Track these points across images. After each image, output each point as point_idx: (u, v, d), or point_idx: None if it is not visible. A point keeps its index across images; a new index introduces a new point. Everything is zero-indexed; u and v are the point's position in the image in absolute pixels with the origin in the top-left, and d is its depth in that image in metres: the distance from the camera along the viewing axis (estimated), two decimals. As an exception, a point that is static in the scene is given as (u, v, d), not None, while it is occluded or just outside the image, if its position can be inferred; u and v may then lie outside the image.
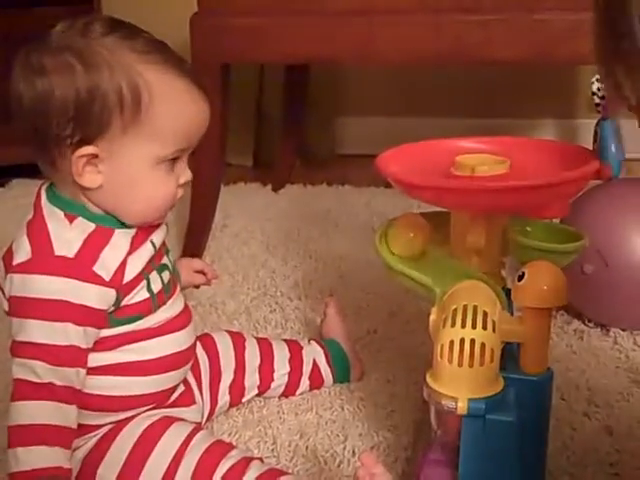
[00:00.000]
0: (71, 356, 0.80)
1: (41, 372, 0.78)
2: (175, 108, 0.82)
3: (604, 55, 0.56)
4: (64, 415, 0.79)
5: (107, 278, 0.81)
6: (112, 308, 0.83)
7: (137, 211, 0.84)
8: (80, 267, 0.80)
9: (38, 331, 0.79)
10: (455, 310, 0.74)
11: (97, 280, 0.80)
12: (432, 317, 0.78)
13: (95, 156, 0.80)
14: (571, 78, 2.08)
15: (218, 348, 1.05)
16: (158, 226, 0.89)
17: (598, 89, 0.89)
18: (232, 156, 2.11)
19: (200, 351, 1.03)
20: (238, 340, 1.08)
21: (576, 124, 2.11)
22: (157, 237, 0.88)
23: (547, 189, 0.84)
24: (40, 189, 0.86)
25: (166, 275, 0.90)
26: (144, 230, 0.86)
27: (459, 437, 0.76)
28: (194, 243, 1.54)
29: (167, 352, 0.89)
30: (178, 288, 0.94)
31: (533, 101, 2.13)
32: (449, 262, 0.90)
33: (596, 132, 0.91)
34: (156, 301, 0.87)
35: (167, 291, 0.89)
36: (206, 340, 1.06)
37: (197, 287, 1.10)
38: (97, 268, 0.80)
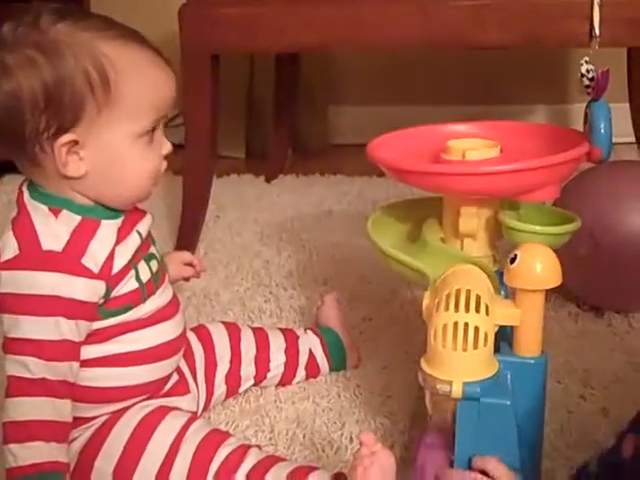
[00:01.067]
0: (64, 350, 0.80)
1: (34, 368, 0.78)
2: (143, 79, 0.82)
3: None
4: (58, 410, 0.79)
5: (96, 270, 0.81)
6: (102, 300, 0.83)
7: (125, 190, 0.84)
8: (68, 261, 0.80)
9: (29, 327, 0.79)
10: (448, 294, 0.74)
11: (86, 273, 0.80)
12: (425, 302, 0.79)
13: (75, 143, 0.79)
14: (562, 63, 2.07)
15: (213, 339, 1.05)
16: (143, 215, 0.89)
17: (587, 70, 0.89)
18: (224, 148, 2.10)
19: (195, 342, 1.03)
20: (233, 330, 1.08)
21: (568, 109, 2.11)
22: (142, 227, 0.88)
23: (537, 172, 0.84)
24: (21, 186, 0.85)
25: (154, 264, 0.90)
26: (130, 220, 0.86)
27: (454, 420, 0.76)
28: (187, 235, 1.54)
29: (159, 341, 0.89)
30: (166, 277, 0.93)
31: (525, 87, 2.13)
32: (442, 247, 0.90)
33: (586, 114, 0.90)
34: (145, 291, 0.87)
35: (156, 280, 0.89)
36: (201, 331, 1.06)
37: (187, 280, 1.10)
38: (85, 261, 0.80)
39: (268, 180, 1.95)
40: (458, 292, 0.74)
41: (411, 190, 1.02)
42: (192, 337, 1.03)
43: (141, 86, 0.81)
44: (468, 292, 0.74)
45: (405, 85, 2.18)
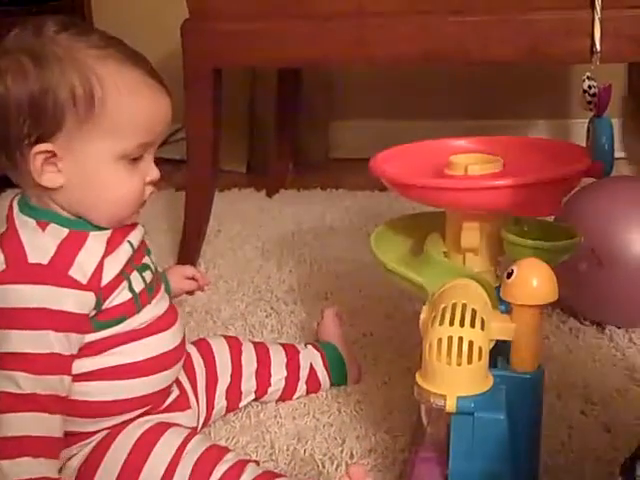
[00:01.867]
0: (54, 364, 0.79)
1: (23, 383, 0.77)
2: (132, 101, 0.81)
3: None
4: (48, 425, 0.79)
5: (84, 281, 0.80)
6: (94, 312, 0.83)
7: (103, 210, 0.84)
8: (55, 273, 0.79)
9: (18, 341, 0.78)
10: (444, 308, 0.74)
11: (74, 284, 0.80)
12: (422, 316, 0.78)
13: (53, 155, 0.80)
14: (563, 78, 2.08)
15: (214, 353, 1.05)
16: (134, 227, 0.89)
17: (589, 87, 0.89)
18: (226, 162, 2.10)
19: (196, 356, 1.03)
20: (234, 345, 1.07)
21: (569, 124, 2.12)
22: (134, 237, 0.88)
23: (539, 187, 0.84)
24: (12, 201, 0.85)
25: (148, 275, 0.89)
26: (120, 231, 0.86)
27: (449, 434, 0.76)
28: (189, 249, 1.54)
29: (155, 352, 0.89)
30: (162, 288, 0.93)
31: (526, 102, 2.13)
32: (443, 262, 0.90)
33: (589, 130, 0.90)
34: (139, 301, 0.87)
35: (150, 291, 0.89)
36: (202, 345, 1.05)
37: (190, 293, 1.10)
38: (73, 272, 0.80)
39: (269, 195, 1.95)
40: (454, 306, 0.74)
41: (413, 205, 1.02)
42: (193, 351, 1.03)
43: (127, 108, 0.81)
44: (464, 306, 0.74)
45: (406, 100, 2.19)
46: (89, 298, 0.81)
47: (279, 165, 2.02)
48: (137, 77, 0.82)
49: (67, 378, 0.81)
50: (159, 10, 2.10)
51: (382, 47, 1.38)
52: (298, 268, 1.51)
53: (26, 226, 0.82)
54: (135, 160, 0.83)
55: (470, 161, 0.89)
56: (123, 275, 0.85)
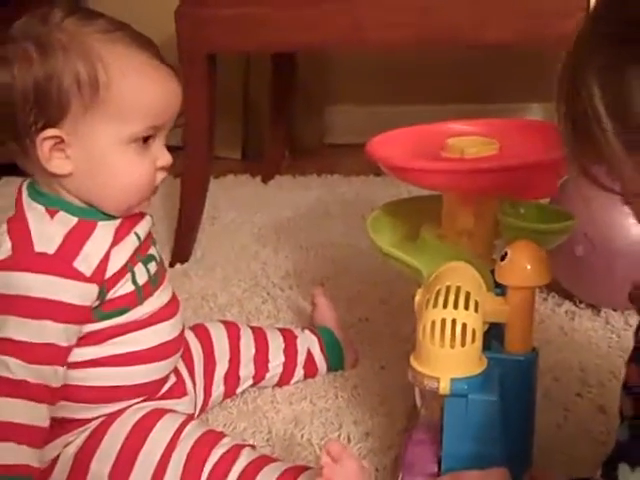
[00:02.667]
0: (48, 354, 0.79)
1: (15, 369, 0.77)
2: (138, 84, 0.81)
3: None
4: (35, 414, 0.78)
5: (88, 274, 0.80)
6: (97, 303, 0.82)
7: (114, 196, 0.83)
8: (60, 263, 0.79)
9: (16, 328, 0.78)
10: (438, 291, 0.74)
11: (78, 276, 0.79)
12: (417, 298, 0.79)
13: (61, 141, 0.79)
14: (558, 61, 2.08)
15: (212, 338, 1.05)
16: (142, 217, 0.88)
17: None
18: (221, 149, 2.10)
19: (194, 341, 1.03)
20: (233, 330, 1.07)
21: (564, 108, 2.11)
22: (141, 228, 0.88)
23: (535, 169, 0.84)
24: (21, 186, 0.85)
25: (152, 266, 0.89)
26: (128, 221, 0.86)
27: (442, 417, 0.76)
28: (185, 237, 1.53)
29: (156, 342, 0.89)
30: (166, 279, 0.93)
31: (521, 85, 2.13)
32: (439, 245, 0.90)
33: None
34: (142, 293, 0.86)
35: (154, 282, 0.89)
36: (200, 330, 1.05)
37: None
38: (78, 264, 0.79)
39: (265, 181, 1.94)
40: (448, 289, 0.74)
41: (409, 189, 1.02)
42: (191, 336, 1.03)
43: (133, 91, 0.81)
44: (458, 289, 0.74)
45: (401, 84, 2.18)
46: (92, 290, 0.81)
47: (274, 151, 2.02)
48: (144, 60, 0.82)
49: (61, 369, 0.81)
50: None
51: (377, 31, 1.38)
52: (294, 254, 1.51)
53: (35, 212, 0.82)
54: (145, 145, 0.83)
55: (466, 144, 0.89)
56: (127, 267, 0.84)
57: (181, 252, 1.51)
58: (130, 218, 0.86)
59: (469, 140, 0.91)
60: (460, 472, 0.75)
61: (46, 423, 0.80)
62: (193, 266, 1.48)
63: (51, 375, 0.79)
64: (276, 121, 2.00)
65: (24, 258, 0.79)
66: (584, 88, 0.50)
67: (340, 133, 2.18)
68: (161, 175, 0.86)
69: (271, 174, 1.96)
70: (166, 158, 0.85)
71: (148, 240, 0.90)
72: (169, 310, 0.91)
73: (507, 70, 2.12)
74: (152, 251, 0.90)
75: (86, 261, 0.80)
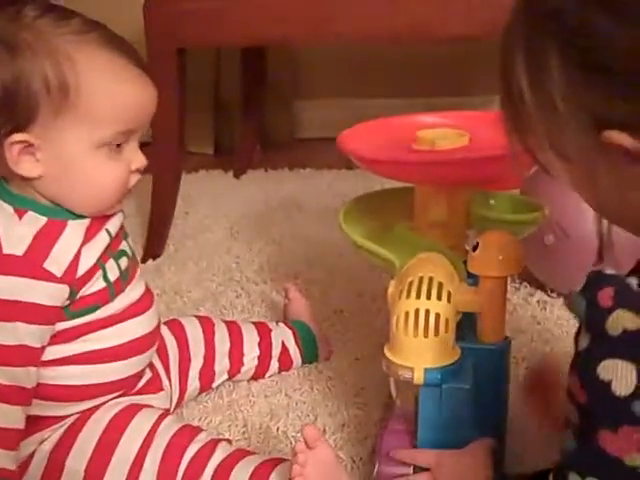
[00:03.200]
0: (20, 356, 0.78)
1: None
2: (109, 87, 0.79)
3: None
4: (10, 417, 0.78)
5: (59, 274, 0.79)
6: (67, 302, 0.82)
7: (84, 199, 0.82)
8: (29, 265, 0.78)
9: None
10: (411, 282, 0.75)
11: (49, 277, 0.78)
12: (390, 290, 0.79)
13: (30, 144, 0.78)
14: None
15: (187, 333, 1.04)
16: (113, 214, 0.88)
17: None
18: (193, 144, 2.09)
19: (169, 337, 1.02)
20: (207, 325, 1.07)
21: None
22: (112, 224, 0.86)
23: (505, 160, 0.85)
24: None
25: (123, 261, 0.88)
26: (99, 219, 0.85)
27: (417, 406, 0.77)
28: (157, 232, 1.53)
29: (129, 338, 0.88)
30: (137, 273, 0.92)
31: (491, 78, 2.14)
32: (412, 237, 0.91)
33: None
34: (113, 289, 0.86)
35: (124, 278, 0.88)
36: (174, 325, 1.05)
37: None
38: (48, 265, 0.78)
39: (237, 175, 1.94)
40: (420, 279, 0.75)
41: (381, 181, 1.02)
42: (165, 331, 1.02)
43: (104, 94, 0.79)
44: (430, 279, 0.75)
45: (372, 78, 2.18)
46: (63, 291, 0.80)
47: (246, 145, 2.01)
48: (117, 63, 0.80)
49: (33, 369, 0.80)
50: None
51: (348, 25, 1.38)
52: (267, 248, 1.51)
53: (3, 213, 0.80)
54: (118, 148, 0.81)
55: (437, 136, 0.90)
56: (99, 264, 0.83)
57: (153, 247, 1.50)
58: (101, 216, 0.86)
59: (439, 132, 0.91)
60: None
61: (22, 425, 0.79)
62: (166, 261, 1.47)
63: (24, 377, 0.79)
64: (247, 115, 1.99)
65: None
66: (511, 67, 0.58)
67: (311, 127, 2.18)
68: (135, 177, 0.85)
69: (243, 168, 1.96)
70: (140, 160, 0.84)
71: (119, 235, 0.89)
72: (141, 305, 0.91)
73: (478, 63, 2.13)
74: (123, 246, 0.89)
75: (56, 262, 0.79)
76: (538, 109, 0.57)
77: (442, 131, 0.92)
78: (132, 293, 0.89)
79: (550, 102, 0.56)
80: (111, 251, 0.86)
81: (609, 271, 0.55)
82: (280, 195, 1.78)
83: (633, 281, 0.54)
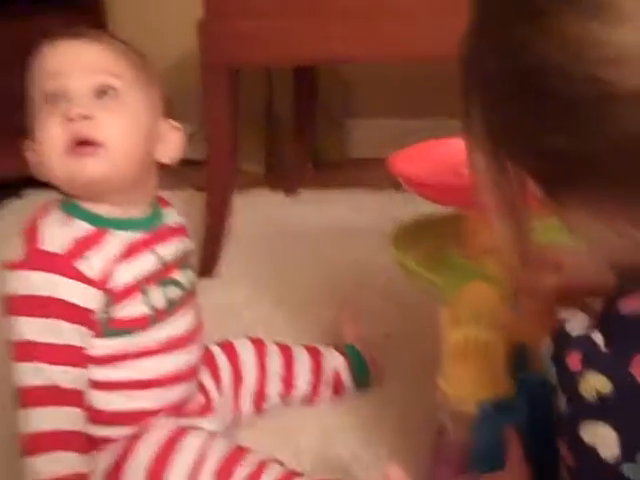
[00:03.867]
0: (70, 355, 0.80)
1: (45, 374, 0.78)
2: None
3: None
4: (74, 419, 0.80)
5: (90, 275, 0.81)
6: (104, 315, 0.83)
7: (50, 169, 0.84)
8: (63, 263, 0.80)
9: (32, 330, 0.79)
10: (463, 310, 0.74)
11: (79, 276, 0.80)
12: (441, 317, 0.78)
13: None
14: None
15: (239, 355, 1.05)
16: (168, 238, 0.88)
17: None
18: (244, 163, 2.11)
19: (222, 358, 1.03)
20: (259, 347, 1.08)
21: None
22: (166, 250, 0.88)
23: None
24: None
25: (173, 291, 0.89)
26: (150, 239, 0.86)
27: (470, 437, 0.75)
28: (209, 251, 1.54)
29: (169, 370, 0.89)
30: (190, 306, 0.92)
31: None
32: (464, 263, 0.90)
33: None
34: (155, 317, 0.86)
35: (170, 307, 0.88)
36: (227, 347, 1.06)
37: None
38: (80, 265, 0.80)
39: (288, 195, 1.95)
40: (473, 308, 0.74)
41: (432, 205, 1.02)
42: (218, 353, 1.03)
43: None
44: (482, 308, 0.74)
45: (423, 97, 2.18)
46: (94, 293, 0.81)
47: (297, 164, 2.02)
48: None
49: (83, 371, 0.82)
50: (174, 9, 2.09)
51: (398, 45, 1.38)
52: (318, 269, 1.51)
53: (52, 217, 0.84)
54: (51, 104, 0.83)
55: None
56: (140, 286, 0.85)
57: (206, 267, 1.51)
58: (158, 235, 0.87)
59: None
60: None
61: (76, 427, 0.81)
62: (218, 282, 1.48)
63: (76, 376, 0.81)
64: (299, 134, 2.01)
65: (32, 257, 0.81)
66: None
67: (363, 146, 2.18)
68: (72, 130, 0.81)
69: (294, 188, 1.97)
70: (69, 109, 0.82)
71: (176, 264, 0.89)
72: (186, 338, 0.91)
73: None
74: (178, 275, 0.90)
75: (88, 264, 0.81)
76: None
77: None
78: (175, 325, 0.90)
79: None
80: (160, 277, 0.87)
81: (575, 331, 0.54)
82: (331, 215, 1.77)
83: (599, 339, 0.53)
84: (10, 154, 2.10)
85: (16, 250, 0.83)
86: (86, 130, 0.81)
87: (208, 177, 1.52)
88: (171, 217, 0.93)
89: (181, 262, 0.90)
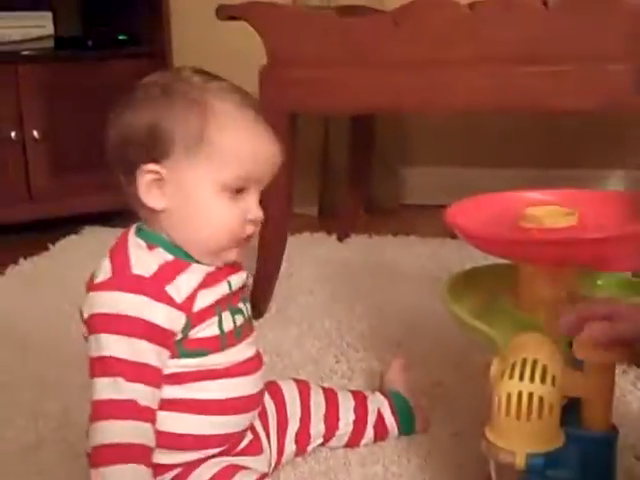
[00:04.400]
0: (149, 374, 0.82)
1: (124, 389, 0.80)
2: (239, 134, 0.86)
3: None
4: (148, 434, 0.82)
5: (178, 300, 0.83)
6: (181, 335, 0.85)
7: (201, 239, 0.87)
8: (154, 286, 0.83)
9: (115, 346, 0.81)
10: (515, 363, 0.74)
11: (168, 300, 0.83)
12: (493, 369, 0.78)
13: (160, 177, 0.85)
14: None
15: (285, 396, 1.06)
16: (237, 269, 0.92)
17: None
18: (297, 205, 2.14)
19: (267, 399, 1.04)
20: (304, 388, 1.08)
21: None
22: (235, 279, 0.91)
23: (616, 242, 0.83)
24: (130, 227, 0.90)
25: (239, 319, 0.91)
26: (223, 270, 0.89)
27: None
28: (261, 291, 1.55)
29: (232, 395, 0.90)
30: (252, 336, 0.95)
31: (601, 151, 2.11)
32: (516, 314, 0.90)
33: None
34: (225, 340, 0.88)
35: (238, 334, 0.91)
36: (273, 388, 1.06)
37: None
38: (169, 289, 0.83)
39: (340, 239, 1.96)
40: (525, 361, 0.74)
41: (484, 255, 1.02)
42: (264, 394, 1.04)
43: (234, 140, 0.85)
44: (534, 361, 0.74)
45: (478, 146, 2.19)
46: (179, 317, 0.84)
47: (351, 209, 2.04)
48: (249, 118, 0.87)
49: (157, 391, 0.84)
50: (237, 56, 2.15)
51: (454, 96, 1.39)
52: (369, 314, 1.51)
53: (135, 244, 0.87)
54: (238, 195, 0.86)
55: (545, 214, 0.89)
56: (215, 309, 0.87)
57: (257, 307, 1.53)
58: (224, 268, 0.89)
59: (548, 210, 0.91)
60: None
61: (147, 441, 0.82)
62: (268, 321, 1.50)
63: (152, 396, 0.83)
64: (353, 179, 2.02)
65: (122, 279, 0.83)
66: None
67: (417, 193, 2.20)
68: (250, 228, 0.89)
69: (347, 232, 1.98)
70: (256, 212, 0.88)
71: (239, 293, 0.92)
72: (251, 365, 0.93)
73: (590, 134, 2.10)
74: (241, 306, 0.93)
75: (177, 289, 0.84)
76: None
77: (550, 209, 0.91)
78: (243, 352, 0.92)
79: None
80: (229, 304, 0.90)
81: None
82: (383, 261, 1.78)
83: None
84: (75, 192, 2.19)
85: (84, 279, 0.86)
86: (257, 230, 0.90)
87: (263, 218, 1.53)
88: None
89: (242, 292, 0.93)
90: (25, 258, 1.93)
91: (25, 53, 2.14)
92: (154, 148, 0.84)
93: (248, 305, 0.95)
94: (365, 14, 1.64)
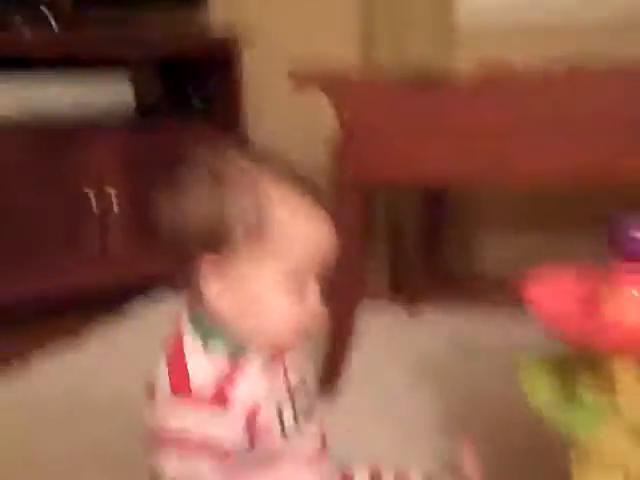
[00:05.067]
0: None
1: None
2: (297, 226, 0.84)
3: None
4: None
5: (240, 410, 0.81)
6: (245, 445, 0.83)
7: (261, 331, 0.85)
8: (213, 399, 0.81)
9: (179, 468, 0.80)
10: (597, 455, 0.70)
11: (228, 410, 0.81)
12: (573, 461, 0.75)
13: (219, 268, 0.83)
14: None
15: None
16: (294, 363, 0.90)
17: None
18: (368, 273, 2.12)
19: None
20: (377, 475, 1.05)
21: None
22: (290, 362, 0.89)
23: None
24: (181, 314, 0.88)
25: (300, 403, 0.89)
26: (278, 357, 0.87)
27: None
28: (333, 364, 1.53)
29: None
30: (314, 423, 0.92)
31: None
32: (594, 401, 0.86)
33: None
34: (285, 434, 0.86)
35: (297, 422, 0.88)
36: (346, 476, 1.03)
37: None
38: (232, 406, 0.81)
39: (410, 311, 1.93)
40: (607, 455, 0.70)
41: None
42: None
43: (292, 233, 0.83)
44: (618, 456, 0.70)
45: (552, 214, 2.14)
46: (241, 437, 0.82)
47: (422, 278, 2.01)
48: (304, 203, 0.85)
49: None
50: (308, 127, 2.17)
51: (528, 166, 1.37)
52: (442, 393, 1.48)
53: (192, 346, 0.85)
54: (299, 287, 0.85)
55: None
56: (276, 408, 0.85)
57: (327, 384, 1.51)
58: (282, 359, 0.88)
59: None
60: None
61: None
62: (338, 397, 1.47)
63: None
64: (424, 248, 2.01)
65: (183, 395, 0.81)
66: None
67: (491, 263, 2.16)
68: (309, 321, 0.86)
69: (417, 302, 1.95)
70: (314, 304, 0.86)
71: (292, 367, 0.90)
72: (312, 456, 0.91)
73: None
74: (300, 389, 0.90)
75: (241, 404, 0.82)
76: None
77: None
78: (304, 440, 0.89)
79: None
80: (291, 399, 0.88)
81: None
82: (456, 332, 1.74)
83: None
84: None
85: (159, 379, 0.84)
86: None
87: (333, 290, 1.52)
88: None
89: (304, 382, 0.91)
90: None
91: (104, 120, 2.19)
92: (212, 239, 0.82)
93: (309, 380, 0.93)
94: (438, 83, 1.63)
